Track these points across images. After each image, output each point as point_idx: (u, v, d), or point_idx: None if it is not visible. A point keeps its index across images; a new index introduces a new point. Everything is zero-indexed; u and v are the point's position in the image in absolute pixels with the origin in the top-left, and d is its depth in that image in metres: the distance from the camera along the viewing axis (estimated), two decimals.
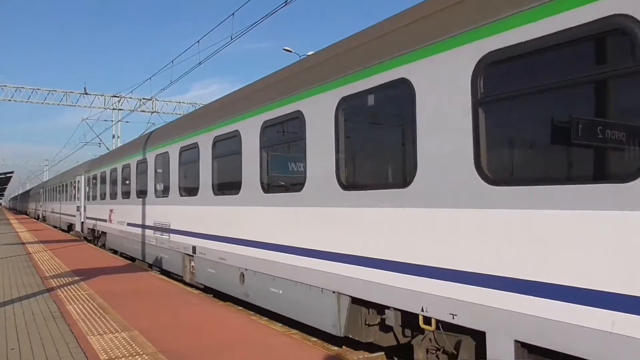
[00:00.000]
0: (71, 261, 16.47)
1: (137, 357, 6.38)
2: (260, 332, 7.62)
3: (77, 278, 12.93)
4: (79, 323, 8.15)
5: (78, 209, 27.27)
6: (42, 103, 39.41)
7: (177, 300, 10.06)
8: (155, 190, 14.29)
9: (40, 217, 56.06)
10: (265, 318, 9.21)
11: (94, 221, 23.71)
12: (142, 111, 41.82)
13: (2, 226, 40.72)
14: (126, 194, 17.57)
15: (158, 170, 14.22)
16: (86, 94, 39.74)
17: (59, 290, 11.24)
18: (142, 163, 15.59)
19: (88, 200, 25.33)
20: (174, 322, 8.23)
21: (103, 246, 21.94)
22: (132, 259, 17.74)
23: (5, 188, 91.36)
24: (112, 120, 42.84)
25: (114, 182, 19.58)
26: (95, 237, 23.90)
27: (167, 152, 13.39)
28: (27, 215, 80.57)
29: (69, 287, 11.66)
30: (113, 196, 19.62)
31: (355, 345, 7.66)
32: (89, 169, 25.57)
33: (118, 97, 40.74)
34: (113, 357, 6.39)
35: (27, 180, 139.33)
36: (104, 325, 8.03)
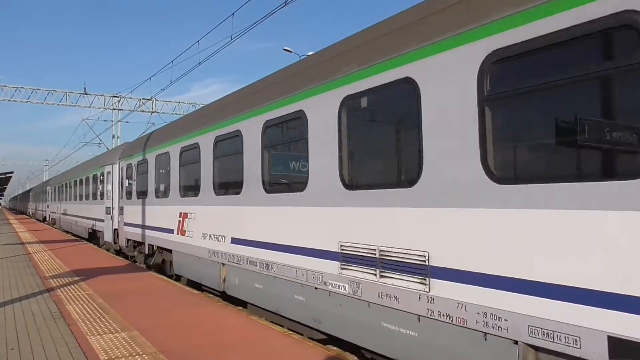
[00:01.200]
0: (71, 261, 16.47)
1: (137, 357, 6.39)
2: (260, 332, 7.63)
3: (77, 278, 12.93)
4: (79, 323, 8.15)
5: (108, 211, 19.84)
6: (42, 103, 39.47)
7: (177, 300, 10.06)
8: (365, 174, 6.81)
9: (48, 219, 46.41)
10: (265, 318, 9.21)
11: (142, 230, 15.69)
12: (142, 111, 41.91)
13: (2, 226, 40.71)
14: (228, 187, 10.01)
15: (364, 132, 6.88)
16: (86, 94, 39.79)
17: (59, 290, 11.24)
18: (292, 123, 8.11)
19: (128, 198, 17.32)
20: (174, 322, 8.23)
21: (159, 269, 14.60)
22: (131, 260, 17.71)
23: (5, 188, 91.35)
24: (112, 120, 42.90)
25: (189, 169, 11.91)
26: (144, 254, 15.85)
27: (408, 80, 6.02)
28: (31, 217, 71.98)
29: (69, 287, 11.66)
30: (188, 192, 11.93)
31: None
32: (129, 154, 17.56)
33: (118, 97, 40.79)
34: (113, 357, 6.39)
35: (27, 180, 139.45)
36: (104, 325, 8.04)
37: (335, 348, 7.32)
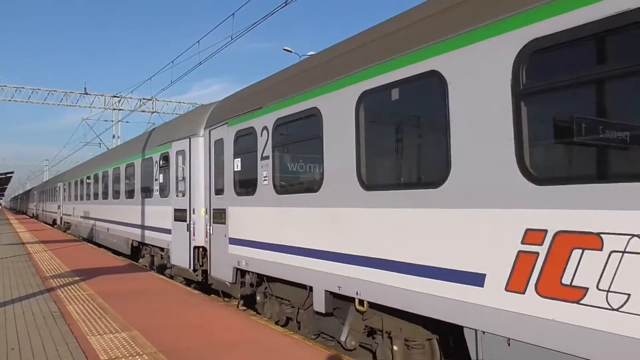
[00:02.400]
0: (71, 261, 16.47)
1: (137, 357, 6.39)
2: (260, 332, 7.63)
3: (77, 278, 12.93)
4: (79, 323, 8.15)
5: (180, 215, 12.21)
6: (42, 103, 39.47)
7: (177, 300, 10.06)
8: None
9: (60, 223, 37.36)
10: (266, 318, 9.21)
11: (303, 259, 7.55)
12: (142, 111, 41.94)
13: (3, 226, 40.72)
14: None
15: None
16: (86, 94, 39.80)
17: (59, 290, 11.25)
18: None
19: (243, 193, 9.47)
20: (174, 322, 8.24)
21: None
22: (134, 259, 17.67)
23: (5, 188, 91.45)
24: (112, 121, 42.97)
25: None
26: (309, 311, 7.85)
27: None
28: (34, 218, 63.66)
29: (69, 287, 11.66)
30: None
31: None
32: (244, 110, 9.51)
33: (118, 97, 40.80)
34: (113, 357, 6.39)
35: (28, 180, 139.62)
36: (104, 325, 8.04)
37: (335, 348, 7.32)
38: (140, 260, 16.72)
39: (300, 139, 8.09)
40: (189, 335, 7.39)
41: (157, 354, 6.49)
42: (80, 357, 6.39)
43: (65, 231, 33.45)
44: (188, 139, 11.95)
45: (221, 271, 10.26)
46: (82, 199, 27.43)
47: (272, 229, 8.36)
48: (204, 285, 11.93)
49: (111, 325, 8.00)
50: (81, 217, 27.51)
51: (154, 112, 41.29)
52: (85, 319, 8.42)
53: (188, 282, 12.84)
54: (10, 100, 38.31)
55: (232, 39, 16.46)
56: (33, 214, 69.07)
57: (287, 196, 8.05)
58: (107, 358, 6.35)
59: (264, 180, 8.59)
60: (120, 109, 42.18)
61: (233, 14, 16.03)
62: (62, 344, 6.96)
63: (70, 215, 32.03)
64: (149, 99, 39.64)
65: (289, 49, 33.75)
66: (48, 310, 9.10)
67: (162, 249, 14.16)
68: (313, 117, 7.27)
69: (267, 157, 8.49)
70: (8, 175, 45.59)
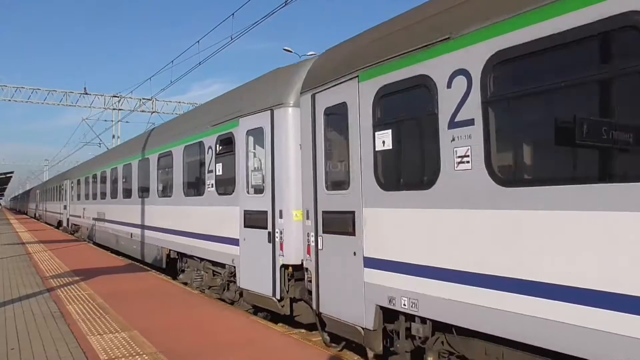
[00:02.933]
0: (71, 261, 16.45)
1: (137, 357, 6.38)
2: (260, 332, 7.62)
3: (77, 278, 12.93)
4: (79, 323, 8.15)
5: (264, 227, 8.48)
6: (42, 103, 39.53)
7: (177, 301, 10.05)
8: None
9: (66, 225, 32.82)
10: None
11: None
12: (142, 111, 42.01)
13: (3, 226, 40.71)
14: None
15: None
16: (86, 94, 39.85)
17: (59, 290, 11.24)
18: None
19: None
20: (174, 322, 8.23)
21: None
22: (133, 258, 17.68)
23: (5, 188, 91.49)
24: (112, 121, 42.99)
25: None
26: None
27: None
28: (38, 219, 57.52)
29: (69, 287, 11.65)
30: None
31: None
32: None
33: (118, 97, 40.84)
34: (113, 357, 6.39)
35: (27, 180, 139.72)
36: (104, 325, 8.03)
37: (335, 348, 7.31)
38: (181, 276, 12.83)
39: (579, 80, 4.13)
40: (189, 336, 7.39)
41: (157, 354, 6.48)
42: (80, 357, 6.38)
43: (72, 234, 29.72)
44: (269, 111, 8.51)
45: (345, 308, 6.66)
46: (95, 198, 23.24)
47: (488, 249, 4.77)
48: (286, 319, 8.86)
49: (111, 325, 8.00)
50: (94, 219, 23.33)
51: (153, 112, 41.38)
52: (85, 319, 8.41)
53: (255, 310, 9.57)
54: (10, 100, 38.35)
55: (231, 39, 16.49)
56: (34, 214, 65.51)
57: (533, 190, 4.36)
58: (107, 358, 6.35)
59: (461, 162, 5.06)
60: (120, 109, 42.26)
61: (233, 14, 16.07)
62: (62, 344, 6.95)
63: (79, 216, 27.71)
64: (149, 99, 39.68)
65: (289, 49, 33.77)
66: (48, 310, 9.09)
67: (220, 265, 10.46)
68: (628, 31, 3.72)
69: (468, 123, 4.98)
70: (8, 175, 45.58)
